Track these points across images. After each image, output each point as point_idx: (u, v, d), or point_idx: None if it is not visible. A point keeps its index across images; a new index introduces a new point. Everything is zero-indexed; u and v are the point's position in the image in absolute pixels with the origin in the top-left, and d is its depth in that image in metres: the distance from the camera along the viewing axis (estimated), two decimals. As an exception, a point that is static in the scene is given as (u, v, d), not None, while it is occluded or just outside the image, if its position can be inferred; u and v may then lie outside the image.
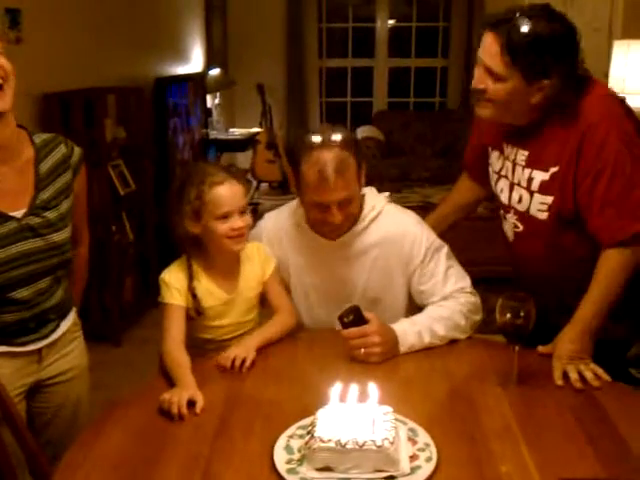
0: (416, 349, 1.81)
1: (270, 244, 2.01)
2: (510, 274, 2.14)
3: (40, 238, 1.63)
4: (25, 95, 3.30)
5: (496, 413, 1.51)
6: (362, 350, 1.73)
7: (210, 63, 6.49)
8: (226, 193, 1.77)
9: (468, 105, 6.97)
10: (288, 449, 1.35)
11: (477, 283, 2.00)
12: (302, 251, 2.00)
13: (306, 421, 1.42)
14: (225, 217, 1.77)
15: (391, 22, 7.31)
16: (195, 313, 1.84)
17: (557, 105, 1.71)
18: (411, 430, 1.40)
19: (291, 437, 1.39)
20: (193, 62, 6.08)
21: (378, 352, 1.74)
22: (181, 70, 5.73)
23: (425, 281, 1.94)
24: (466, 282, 1.96)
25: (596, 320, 1.69)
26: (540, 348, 1.73)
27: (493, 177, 1.96)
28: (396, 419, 1.36)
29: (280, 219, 2.05)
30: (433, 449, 1.34)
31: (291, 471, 1.29)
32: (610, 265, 1.69)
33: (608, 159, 1.66)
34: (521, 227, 1.87)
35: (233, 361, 1.72)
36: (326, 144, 1.79)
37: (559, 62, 1.65)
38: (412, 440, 1.37)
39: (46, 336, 1.73)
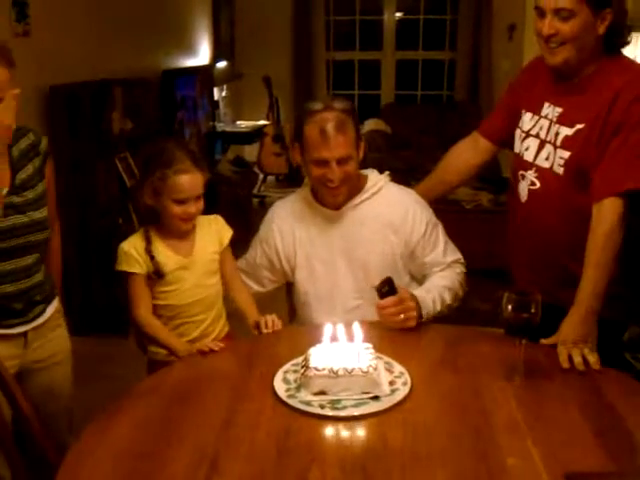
0: (430, 317, 1.95)
1: (279, 229, 2.13)
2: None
3: (23, 215, 1.73)
4: (32, 87, 3.31)
5: (502, 406, 1.51)
6: (402, 315, 1.86)
7: (217, 56, 6.48)
8: (187, 182, 1.90)
9: (475, 98, 6.96)
10: (286, 380, 1.59)
11: (483, 275, 2.02)
12: (308, 225, 2.10)
13: (298, 359, 1.64)
14: (181, 202, 1.90)
15: (398, 15, 7.28)
16: (155, 275, 1.94)
17: (614, 40, 1.81)
18: (387, 363, 1.65)
19: (287, 372, 1.63)
20: (200, 55, 6.07)
21: (415, 316, 1.89)
22: (188, 63, 5.72)
23: (428, 253, 2.08)
24: (459, 254, 2.14)
25: (596, 299, 1.73)
26: (543, 340, 1.74)
27: (520, 137, 2.01)
28: (375, 354, 1.59)
29: (288, 202, 2.18)
30: (407, 376, 1.59)
31: (291, 397, 1.52)
32: (601, 228, 1.74)
33: (634, 113, 1.74)
34: (538, 184, 1.92)
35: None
36: (327, 108, 1.95)
37: None
38: (389, 370, 1.62)
39: (32, 319, 1.80)
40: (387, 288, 1.89)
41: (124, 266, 1.95)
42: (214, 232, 2.04)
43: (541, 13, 1.79)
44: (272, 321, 1.92)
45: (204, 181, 1.95)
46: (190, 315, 1.99)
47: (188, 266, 1.98)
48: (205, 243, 2.02)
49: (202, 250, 2.01)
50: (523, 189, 1.97)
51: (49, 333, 1.85)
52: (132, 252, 1.94)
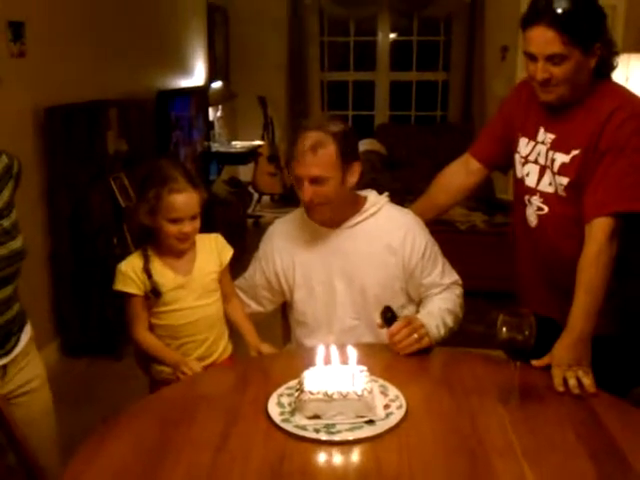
0: (434, 341, 1.93)
1: (278, 248, 2.14)
2: (509, 288, 2.15)
3: (2, 246, 1.63)
4: (28, 108, 3.32)
5: (497, 430, 1.50)
6: (415, 335, 1.86)
7: (212, 76, 6.51)
8: (182, 201, 1.89)
9: (469, 118, 7.00)
10: (280, 404, 1.58)
11: (477, 296, 2.02)
12: (307, 245, 2.10)
13: (292, 382, 1.63)
14: (176, 221, 1.90)
15: (392, 36, 7.34)
16: (153, 295, 1.94)
17: (602, 70, 1.84)
18: (382, 386, 1.64)
19: (281, 395, 1.62)
20: (195, 75, 6.11)
21: (426, 332, 1.89)
22: (184, 83, 5.75)
23: (427, 274, 2.08)
24: (456, 275, 2.14)
25: (587, 321, 1.73)
26: (534, 362, 1.73)
27: (519, 162, 2.01)
28: (369, 377, 1.58)
29: (287, 221, 2.18)
30: (402, 400, 1.58)
31: (285, 421, 1.51)
32: (590, 249, 1.75)
33: (621, 138, 1.76)
34: (546, 209, 1.93)
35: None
36: (311, 127, 1.97)
37: (600, 22, 1.79)
38: (384, 393, 1.62)
39: (9, 352, 1.72)
40: (390, 314, 1.90)
41: (121, 286, 1.95)
42: (214, 251, 2.04)
43: (532, 57, 1.80)
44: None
45: (200, 200, 1.95)
46: (190, 334, 1.98)
47: (186, 285, 1.97)
48: (205, 262, 2.01)
49: (201, 269, 2.00)
50: (531, 214, 1.97)
51: (22, 361, 1.77)
52: (129, 272, 1.94)
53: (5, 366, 1.72)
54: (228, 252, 2.07)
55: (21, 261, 1.70)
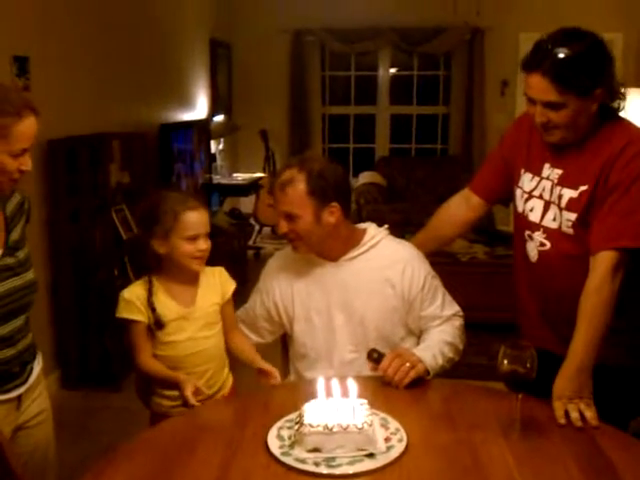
0: (434, 372, 1.92)
1: (277, 280, 2.14)
2: (511, 320, 2.14)
3: (18, 277, 1.69)
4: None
5: (499, 463, 1.49)
6: (407, 364, 1.85)
7: (215, 109, 6.58)
8: (197, 218, 1.95)
9: (469, 151, 7.05)
10: (280, 437, 1.57)
11: (478, 328, 2.01)
12: (306, 277, 2.11)
13: (292, 415, 1.62)
14: (192, 239, 1.93)
15: (393, 70, 7.43)
16: (155, 326, 1.94)
17: (607, 113, 1.83)
18: (382, 419, 1.63)
19: (281, 428, 1.60)
20: (198, 108, 6.17)
21: (418, 359, 1.88)
22: (186, 116, 5.81)
23: (426, 307, 2.07)
24: (457, 307, 2.14)
25: (587, 354, 1.72)
26: None
27: (522, 197, 2.00)
28: (370, 410, 1.57)
29: (287, 254, 2.18)
30: (403, 433, 1.57)
31: (285, 454, 1.50)
32: (592, 282, 1.75)
33: (630, 174, 1.76)
34: (548, 244, 1.92)
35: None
36: (292, 164, 2.02)
37: (602, 68, 1.77)
38: (384, 426, 1.60)
39: (26, 380, 1.77)
40: (376, 354, 1.91)
41: (125, 313, 1.95)
42: (218, 284, 2.05)
43: (531, 100, 1.81)
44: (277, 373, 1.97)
45: (209, 218, 2.00)
46: (191, 366, 1.97)
47: (188, 316, 1.98)
48: (208, 294, 2.02)
49: (204, 301, 2.01)
50: (532, 250, 1.97)
51: (36, 390, 1.82)
52: (133, 299, 1.94)
53: (20, 396, 1.75)
54: (231, 285, 2.08)
55: (35, 292, 1.76)
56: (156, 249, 1.94)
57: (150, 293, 1.95)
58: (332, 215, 2.00)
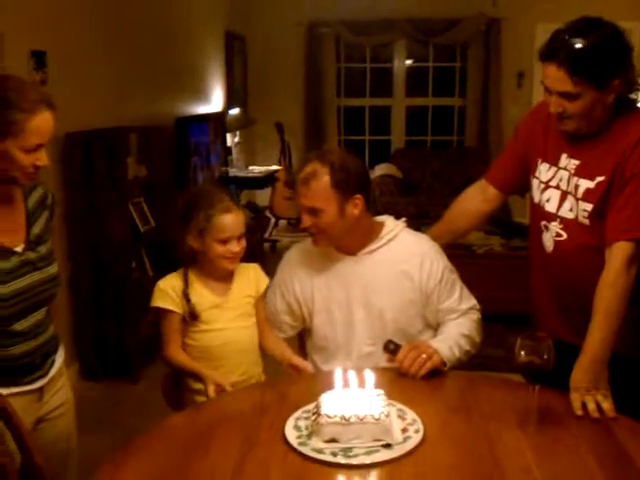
0: (450, 364, 1.93)
1: (297, 274, 2.14)
2: (527, 312, 2.14)
3: (39, 271, 1.71)
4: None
5: (516, 454, 1.49)
6: (423, 355, 1.87)
7: (230, 103, 6.59)
8: (231, 221, 1.95)
9: (485, 143, 7.01)
10: (297, 428, 1.58)
11: (495, 320, 2.01)
12: (326, 271, 2.11)
13: (310, 406, 1.63)
14: (225, 241, 1.94)
15: (408, 62, 7.40)
16: (190, 317, 1.97)
17: (623, 104, 1.81)
18: (399, 410, 1.64)
19: (298, 419, 1.62)
20: (214, 102, 6.18)
21: (434, 351, 1.90)
22: (202, 110, 5.82)
23: (444, 300, 2.07)
24: (474, 300, 2.14)
25: (603, 345, 1.72)
26: None
27: (539, 187, 1.99)
28: (387, 401, 1.58)
29: (305, 247, 2.18)
30: (420, 424, 1.58)
31: (302, 444, 1.51)
32: (608, 273, 1.75)
33: None
34: (565, 235, 1.91)
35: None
36: (312, 158, 2.00)
37: (619, 60, 1.75)
38: (401, 417, 1.61)
39: (47, 372, 1.79)
40: (393, 345, 1.94)
41: (159, 302, 1.98)
42: (252, 279, 2.08)
43: (548, 90, 1.80)
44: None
45: (245, 220, 2.01)
46: (224, 357, 1.98)
47: (222, 305, 2.00)
48: (242, 286, 2.04)
49: (238, 292, 2.03)
50: (548, 240, 1.96)
51: (57, 383, 1.84)
52: (168, 290, 1.97)
53: (42, 388, 1.77)
54: (264, 282, 2.10)
55: (57, 286, 1.78)
56: (191, 245, 1.96)
57: (186, 284, 1.97)
58: (356, 207, 2.00)
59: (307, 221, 2.00)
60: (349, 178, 1.98)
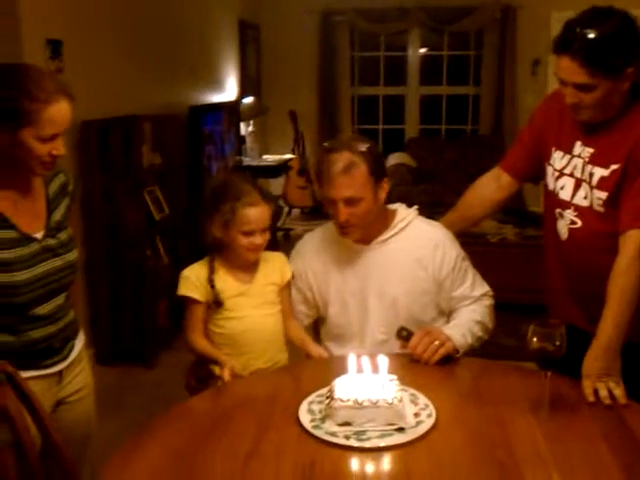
0: (463, 351, 1.94)
1: (310, 263, 2.14)
2: (541, 301, 2.14)
3: (58, 258, 1.73)
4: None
5: (527, 439, 1.50)
6: (436, 342, 1.89)
7: (244, 91, 6.60)
8: (255, 214, 1.96)
9: (499, 132, 6.97)
10: (310, 411, 1.61)
11: (508, 309, 2.01)
12: (339, 260, 2.12)
13: (323, 390, 1.65)
14: (249, 233, 1.96)
15: (422, 51, 7.36)
16: (214, 305, 2.00)
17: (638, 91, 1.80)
18: (412, 395, 1.66)
19: (312, 402, 1.64)
20: (228, 90, 6.19)
21: (447, 337, 1.91)
22: (216, 98, 5.83)
23: (457, 287, 2.09)
24: (487, 286, 2.14)
25: (616, 332, 1.72)
26: None
27: (553, 175, 2.00)
28: (400, 386, 1.60)
29: (318, 236, 2.19)
30: (432, 408, 1.60)
31: (316, 427, 1.54)
32: (622, 260, 1.75)
33: None
34: (579, 223, 1.92)
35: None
36: (340, 148, 1.97)
37: (633, 48, 1.74)
38: (414, 402, 1.63)
39: (66, 356, 1.81)
40: (405, 332, 1.96)
41: (184, 291, 2.01)
42: (277, 268, 2.10)
43: (562, 82, 1.80)
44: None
45: (271, 213, 2.02)
46: (249, 343, 2.01)
47: (247, 292, 2.03)
48: (267, 274, 2.07)
49: (263, 279, 2.06)
50: (562, 227, 1.96)
51: (76, 368, 1.87)
52: (192, 278, 2.01)
53: (61, 371, 1.80)
54: (289, 271, 2.12)
55: (75, 272, 1.80)
56: (214, 232, 1.99)
57: (212, 271, 2.01)
58: (384, 191, 2.02)
59: (344, 214, 1.96)
60: (379, 163, 2.02)
